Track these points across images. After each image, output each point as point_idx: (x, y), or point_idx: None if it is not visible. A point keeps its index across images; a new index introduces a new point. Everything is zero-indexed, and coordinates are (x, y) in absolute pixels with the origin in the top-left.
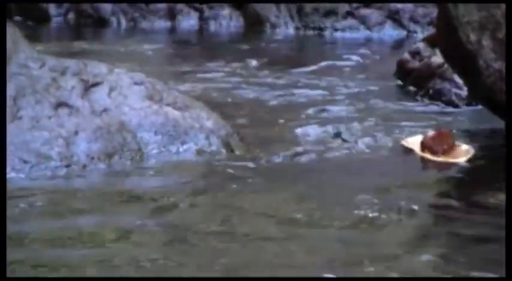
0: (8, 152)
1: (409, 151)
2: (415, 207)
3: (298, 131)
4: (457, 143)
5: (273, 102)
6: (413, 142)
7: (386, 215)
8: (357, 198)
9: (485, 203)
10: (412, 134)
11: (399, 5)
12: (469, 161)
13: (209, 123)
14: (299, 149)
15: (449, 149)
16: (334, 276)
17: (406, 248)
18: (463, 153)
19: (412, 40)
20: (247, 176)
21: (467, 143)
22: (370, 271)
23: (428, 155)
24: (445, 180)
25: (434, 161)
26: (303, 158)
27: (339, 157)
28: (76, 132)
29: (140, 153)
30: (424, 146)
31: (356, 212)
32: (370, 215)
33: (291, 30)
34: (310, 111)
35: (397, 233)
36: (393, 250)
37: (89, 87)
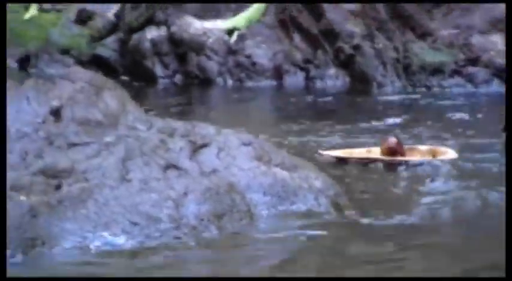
0: (117, 214)
1: (339, 160)
2: None
3: (408, 188)
4: (409, 146)
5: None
6: (340, 153)
7: None
8: None
9: None
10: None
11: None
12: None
13: (318, 183)
14: (410, 209)
15: (408, 151)
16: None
17: None
18: (426, 153)
19: None
20: (357, 239)
21: None
22: None
23: (399, 158)
24: None
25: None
26: (416, 219)
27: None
28: (185, 194)
29: (249, 214)
30: (390, 151)
31: None
32: None
33: (398, 89)
34: (423, 170)
35: None
36: None
37: (197, 148)
